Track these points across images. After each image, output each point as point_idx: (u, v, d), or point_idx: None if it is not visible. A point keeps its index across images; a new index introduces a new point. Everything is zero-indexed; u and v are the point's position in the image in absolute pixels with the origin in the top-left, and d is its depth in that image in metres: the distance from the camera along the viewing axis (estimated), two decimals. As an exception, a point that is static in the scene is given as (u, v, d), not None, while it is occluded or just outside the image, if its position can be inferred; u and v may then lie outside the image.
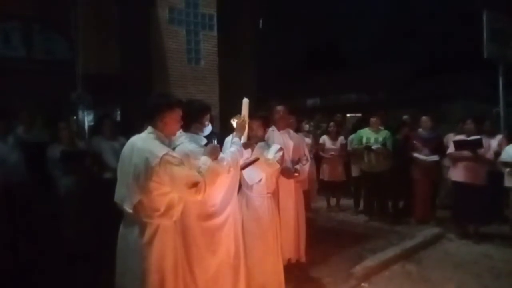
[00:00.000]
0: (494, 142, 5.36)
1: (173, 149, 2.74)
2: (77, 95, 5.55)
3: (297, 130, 6.55)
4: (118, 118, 7.69)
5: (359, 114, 10.96)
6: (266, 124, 3.56)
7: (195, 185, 2.22)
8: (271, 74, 14.18)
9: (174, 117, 2.43)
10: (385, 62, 12.96)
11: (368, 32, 13.51)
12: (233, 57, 8.77)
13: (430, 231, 5.30)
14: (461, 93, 10.61)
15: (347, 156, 6.54)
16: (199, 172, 2.32)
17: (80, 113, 6.57)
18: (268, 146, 3.48)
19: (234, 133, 3.06)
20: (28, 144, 4.52)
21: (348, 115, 12.94)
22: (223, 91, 7.95)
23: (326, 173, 6.61)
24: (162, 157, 2.18)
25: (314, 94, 16.13)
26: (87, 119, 6.98)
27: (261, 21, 9.83)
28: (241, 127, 2.99)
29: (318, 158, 6.72)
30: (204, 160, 2.42)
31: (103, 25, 7.08)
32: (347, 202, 6.85)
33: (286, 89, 14.69)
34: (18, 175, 4.05)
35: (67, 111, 5.76)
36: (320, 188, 6.87)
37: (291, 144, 4.06)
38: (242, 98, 3.09)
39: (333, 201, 6.82)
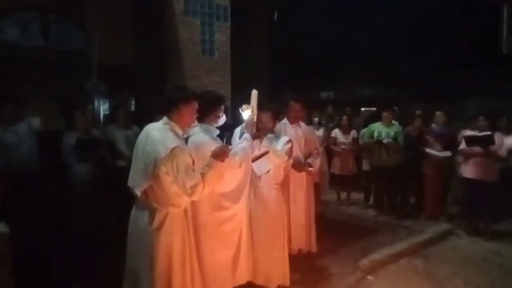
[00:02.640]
0: (509, 140, 5.26)
1: (187, 139, 2.83)
2: (92, 85, 5.67)
3: (308, 123, 6.61)
4: (133, 107, 7.80)
5: (374, 108, 10.86)
6: (276, 116, 3.59)
7: (193, 187, 2.28)
8: (286, 66, 14.14)
9: (190, 110, 2.49)
10: (400, 57, 12.77)
11: (384, 26, 13.29)
12: (246, 49, 8.78)
13: (440, 227, 5.27)
14: (478, 90, 10.40)
15: (359, 150, 6.52)
16: (202, 174, 2.36)
17: (95, 102, 6.70)
18: (277, 138, 3.53)
19: (244, 125, 3.12)
20: (43, 133, 4.65)
21: (362, 109, 12.84)
22: (236, 82, 8.00)
23: (337, 166, 6.61)
24: (172, 150, 2.24)
25: (329, 87, 16.02)
26: (103, 108, 7.12)
27: (276, 13, 9.79)
28: (251, 122, 3.04)
29: (329, 151, 6.72)
30: (209, 162, 2.44)
31: (118, 15, 7.16)
32: (357, 196, 6.84)
33: (301, 82, 14.65)
34: (30, 162, 4.12)
35: (82, 100, 5.87)
36: (331, 182, 6.87)
37: (302, 137, 4.10)
38: (255, 90, 3.12)
39: (343, 194, 6.82)
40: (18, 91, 6.22)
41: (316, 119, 6.85)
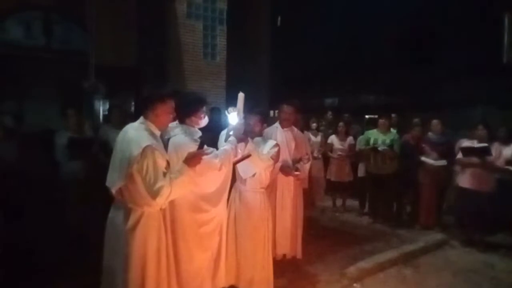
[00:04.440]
0: (508, 150, 5.17)
1: (168, 139, 2.83)
2: (89, 84, 5.72)
3: (306, 128, 6.59)
4: (132, 109, 7.85)
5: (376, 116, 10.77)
6: (264, 120, 3.57)
7: (159, 189, 2.24)
8: (290, 72, 14.15)
9: (165, 109, 2.47)
10: (405, 65, 12.72)
11: (389, 34, 13.27)
12: (248, 53, 8.81)
13: (433, 237, 5.21)
14: (483, 99, 10.30)
15: (355, 156, 6.47)
16: (171, 178, 2.29)
17: (95, 102, 6.76)
18: (265, 141, 3.51)
19: (229, 128, 3.11)
20: (43, 132, 4.69)
21: (366, 116, 12.76)
22: (236, 87, 8.03)
23: (333, 173, 6.56)
24: (144, 148, 2.23)
25: (333, 94, 15.99)
26: (103, 108, 7.18)
27: (279, 19, 9.81)
28: (237, 125, 3.02)
29: (326, 157, 6.68)
30: (180, 168, 2.38)
31: (121, 17, 7.24)
32: (353, 203, 6.79)
33: (305, 88, 14.65)
34: (8, 162, 4.13)
35: (79, 99, 5.93)
36: (326, 188, 6.82)
37: (293, 142, 4.08)
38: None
39: (339, 201, 6.77)
40: (20, 90, 6.34)
41: (314, 125, 6.82)
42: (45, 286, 3.35)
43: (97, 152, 4.63)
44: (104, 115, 7.03)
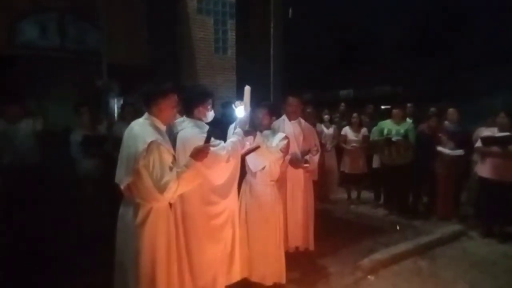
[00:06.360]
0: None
1: (176, 133, 2.84)
2: (103, 83, 5.80)
3: (319, 120, 6.53)
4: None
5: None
6: (272, 113, 3.56)
7: (166, 184, 2.24)
8: (306, 65, 14.04)
9: (169, 103, 2.48)
10: (423, 54, 12.44)
11: (406, 23, 12.99)
12: (259, 47, 8.76)
13: (450, 228, 5.09)
14: (503, 87, 9.99)
15: (369, 148, 6.38)
16: (178, 173, 2.28)
17: (110, 100, 6.86)
18: (274, 134, 3.50)
19: (237, 121, 3.11)
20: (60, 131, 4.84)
21: (382, 107, 12.57)
22: (247, 81, 8.01)
23: (347, 165, 6.49)
24: (149, 143, 2.25)
25: (348, 85, 15.81)
26: (117, 106, 7.28)
27: (290, 11, 9.70)
28: (244, 119, 3.02)
29: (339, 149, 6.62)
30: (187, 162, 2.36)
31: (132, 16, 7.31)
32: (369, 195, 6.71)
33: (321, 80, 14.52)
34: (31, 158, 4.31)
35: (94, 98, 6.03)
36: (341, 180, 6.76)
37: (301, 134, 4.06)
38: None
39: (354, 193, 6.70)
40: (36, 90, 6.48)
41: (326, 117, 6.75)
42: (59, 282, 3.41)
43: (110, 150, 4.70)
44: (119, 113, 7.13)
